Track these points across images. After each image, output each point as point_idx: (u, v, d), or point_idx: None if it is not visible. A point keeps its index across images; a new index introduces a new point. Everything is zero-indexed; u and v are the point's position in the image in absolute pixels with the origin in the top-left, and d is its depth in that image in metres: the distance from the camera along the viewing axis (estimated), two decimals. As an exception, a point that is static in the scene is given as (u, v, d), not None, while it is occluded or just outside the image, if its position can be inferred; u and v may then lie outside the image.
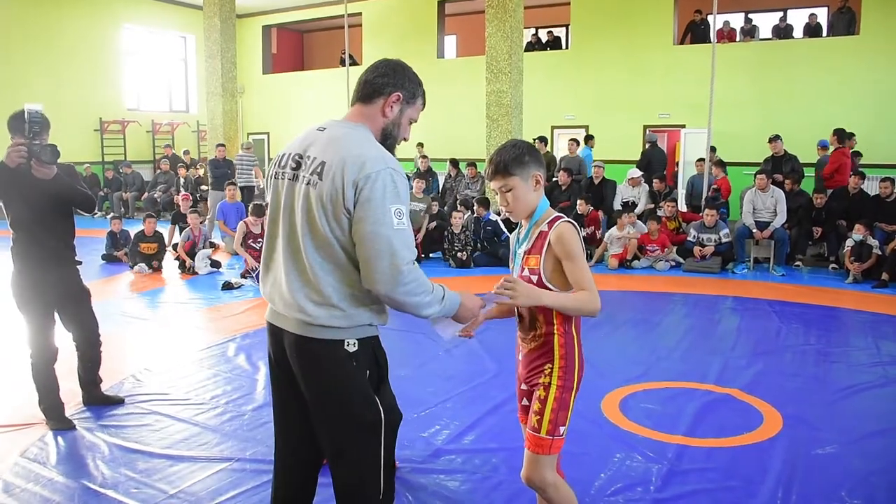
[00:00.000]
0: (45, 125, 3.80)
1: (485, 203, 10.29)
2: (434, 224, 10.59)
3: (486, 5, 12.25)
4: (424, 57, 18.71)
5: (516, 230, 2.61)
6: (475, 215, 10.18)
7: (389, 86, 2.29)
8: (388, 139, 2.30)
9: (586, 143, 14.50)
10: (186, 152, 18.65)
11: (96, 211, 15.80)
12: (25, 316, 4.07)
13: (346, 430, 2.21)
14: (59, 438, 4.05)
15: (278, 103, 21.00)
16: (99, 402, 4.53)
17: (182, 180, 15.91)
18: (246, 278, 8.81)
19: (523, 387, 2.59)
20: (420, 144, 16.12)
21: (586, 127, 16.29)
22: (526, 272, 2.46)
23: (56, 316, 4.21)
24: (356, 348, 2.16)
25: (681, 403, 4.59)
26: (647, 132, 15.11)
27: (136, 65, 20.06)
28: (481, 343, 5.86)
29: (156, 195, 15.94)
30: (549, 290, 2.40)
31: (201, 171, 16.32)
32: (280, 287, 2.21)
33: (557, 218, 2.45)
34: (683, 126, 15.14)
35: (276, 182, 2.26)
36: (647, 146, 13.65)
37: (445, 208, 11.95)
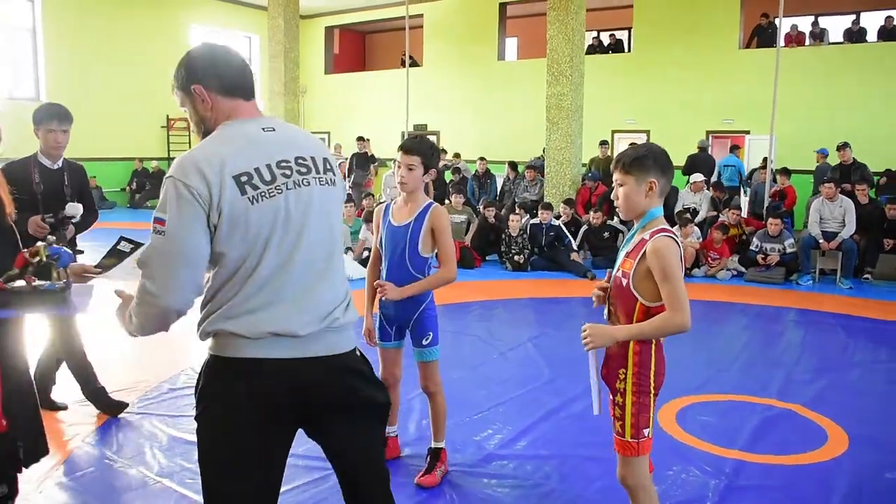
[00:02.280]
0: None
1: (548, 208, 10.19)
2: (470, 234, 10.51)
3: (549, 7, 12.17)
4: (485, 59, 18.70)
5: (629, 233, 2.60)
6: (539, 220, 10.07)
7: None
8: None
9: (732, 152, 14.07)
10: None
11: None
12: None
13: (378, 423, 2.16)
14: (121, 425, 4.14)
15: (339, 103, 21.21)
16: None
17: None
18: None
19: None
20: (457, 155, 16.09)
21: (647, 132, 16.06)
22: (619, 273, 2.49)
23: None
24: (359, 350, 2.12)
25: (740, 417, 4.46)
26: (710, 136, 14.82)
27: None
28: (537, 348, 5.81)
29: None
30: (634, 296, 2.42)
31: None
32: (314, 311, 1.95)
33: (660, 230, 2.42)
34: (748, 132, 14.82)
35: (263, 203, 1.88)
36: (697, 150, 13.33)
37: (503, 211, 11.92)
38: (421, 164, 3.30)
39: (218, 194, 1.82)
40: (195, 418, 1.96)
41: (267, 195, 1.89)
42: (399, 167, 3.33)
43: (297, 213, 1.93)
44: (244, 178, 1.87)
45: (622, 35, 19.52)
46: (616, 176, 2.51)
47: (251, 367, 1.89)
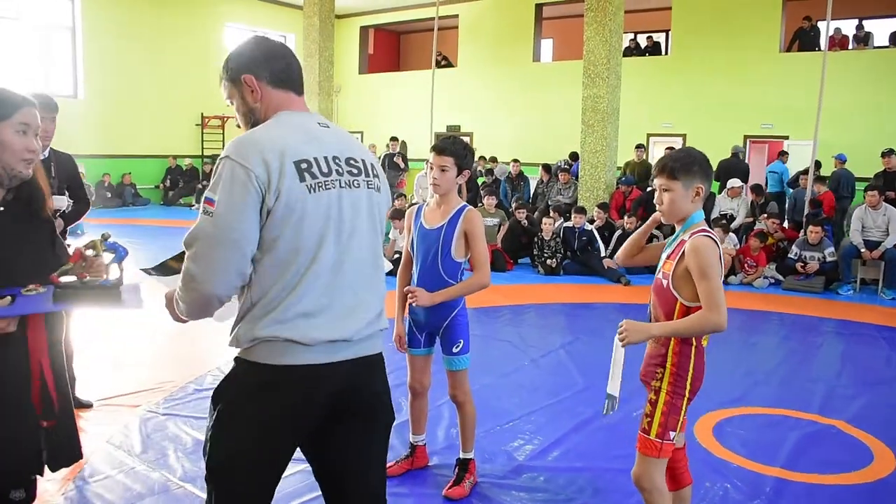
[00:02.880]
0: None
1: (581, 212, 10.03)
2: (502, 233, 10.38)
3: (586, 8, 12.00)
4: (520, 60, 18.57)
5: (672, 236, 2.60)
6: (571, 224, 9.92)
7: None
8: None
9: (779, 157, 13.82)
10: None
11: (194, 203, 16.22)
12: None
13: (387, 434, 2.14)
14: (144, 427, 4.10)
15: (373, 103, 21.21)
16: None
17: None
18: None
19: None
20: (493, 159, 15.95)
21: (684, 136, 15.83)
22: (660, 275, 2.51)
23: None
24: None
25: (780, 433, 4.31)
26: (748, 141, 14.54)
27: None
28: (569, 354, 5.69)
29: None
30: (674, 296, 2.44)
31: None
32: (364, 316, 1.95)
33: (699, 231, 2.44)
34: (787, 137, 14.51)
35: (320, 194, 1.85)
36: (730, 155, 13.03)
37: (536, 214, 11.79)
38: (454, 164, 3.20)
39: (277, 178, 1.78)
40: (223, 421, 1.90)
41: (324, 186, 1.86)
42: (431, 168, 3.24)
43: (348, 212, 1.90)
44: (304, 165, 1.84)
45: (660, 37, 19.28)
46: (661, 181, 2.50)
47: (307, 374, 1.86)
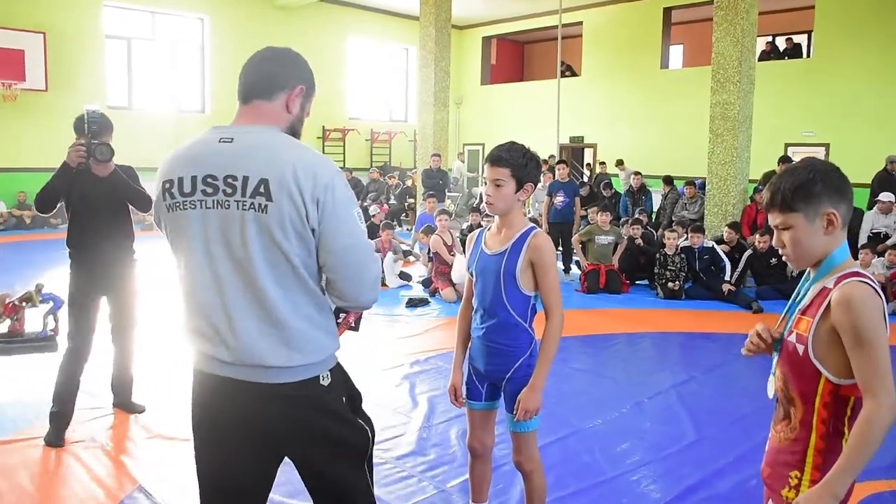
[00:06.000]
0: (104, 124, 3.94)
1: (699, 231, 9.08)
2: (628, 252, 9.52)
3: (715, 7, 11.00)
4: (647, 67, 17.71)
5: (804, 279, 1.88)
6: (689, 243, 9.00)
7: (293, 77, 2.00)
8: (295, 137, 1.99)
9: None
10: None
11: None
12: (70, 311, 3.96)
13: (343, 468, 2.01)
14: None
15: (495, 114, 20.81)
16: (125, 408, 4.52)
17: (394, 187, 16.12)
18: (434, 295, 8.45)
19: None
20: (620, 162, 15.03)
21: (827, 145, 14.46)
22: (792, 337, 1.80)
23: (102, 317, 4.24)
24: (329, 380, 1.96)
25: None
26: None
27: (359, 75, 20.67)
28: (680, 397, 4.95)
29: (366, 203, 16.13)
30: (816, 369, 1.73)
31: (409, 182, 16.37)
32: (228, 334, 1.85)
33: (850, 274, 1.73)
34: (950, 144, 12.93)
35: (177, 214, 1.87)
36: (885, 166, 11.63)
37: (659, 230, 10.92)
38: (511, 177, 2.61)
39: (156, 196, 1.92)
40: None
41: (181, 206, 1.86)
42: (486, 183, 2.67)
43: (215, 233, 1.84)
44: (167, 185, 1.89)
45: (801, 39, 17.87)
46: (775, 218, 1.80)
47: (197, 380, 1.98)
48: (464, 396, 2.88)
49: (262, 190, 1.79)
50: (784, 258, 1.84)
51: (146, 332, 4.97)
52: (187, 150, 1.91)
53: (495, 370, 2.75)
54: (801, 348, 1.76)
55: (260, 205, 1.79)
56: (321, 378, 1.93)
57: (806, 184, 1.73)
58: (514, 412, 2.67)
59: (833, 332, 1.70)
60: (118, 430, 4.26)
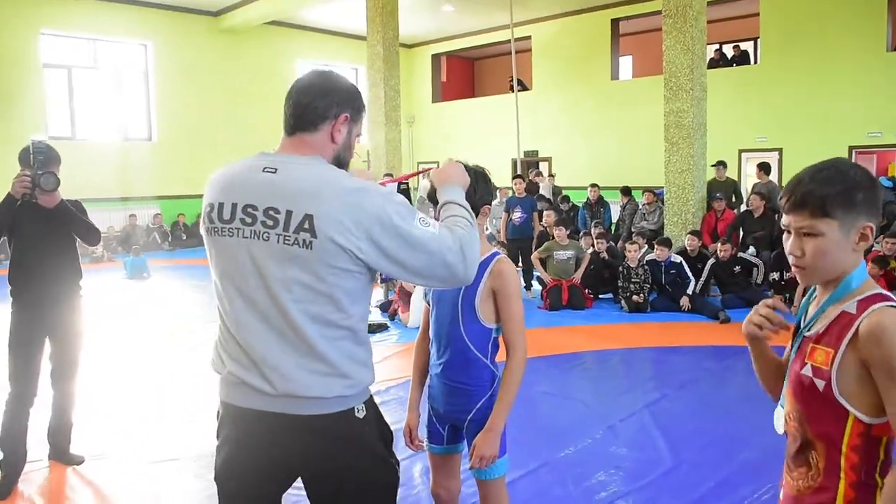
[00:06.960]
0: (50, 156, 3.74)
1: (666, 244, 8.90)
2: (591, 266, 9.30)
3: (663, 15, 10.92)
4: (598, 79, 17.69)
5: (807, 296, 1.64)
6: (655, 257, 8.81)
7: (335, 106, 1.90)
8: (342, 167, 1.93)
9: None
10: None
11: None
12: (11, 351, 3.81)
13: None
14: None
15: (449, 131, 20.65)
16: (61, 459, 4.17)
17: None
18: (393, 319, 8.17)
19: None
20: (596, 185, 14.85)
21: (780, 150, 14.53)
22: (807, 370, 1.54)
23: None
24: (364, 412, 1.89)
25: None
26: (853, 153, 13.14)
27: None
28: (654, 418, 4.72)
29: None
30: (843, 408, 1.48)
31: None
32: (262, 365, 1.80)
33: (876, 298, 1.47)
34: (900, 146, 13.08)
35: (216, 239, 1.86)
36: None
37: (619, 242, 10.77)
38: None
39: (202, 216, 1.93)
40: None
41: (219, 233, 1.84)
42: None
43: (249, 266, 1.80)
44: (208, 209, 1.88)
45: (747, 46, 18.04)
46: (800, 220, 1.53)
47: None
48: (422, 439, 2.61)
49: (306, 226, 1.74)
50: (794, 268, 1.58)
51: (88, 376, 4.61)
52: (232, 174, 1.88)
53: (455, 411, 2.48)
54: (820, 384, 1.51)
55: (304, 241, 1.75)
56: (356, 410, 1.87)
57: (849, 190, 1.50)
58: (470, 445, 2.41)
59: (862, 366, 1.46)
60: (53, 485, 3.90)
